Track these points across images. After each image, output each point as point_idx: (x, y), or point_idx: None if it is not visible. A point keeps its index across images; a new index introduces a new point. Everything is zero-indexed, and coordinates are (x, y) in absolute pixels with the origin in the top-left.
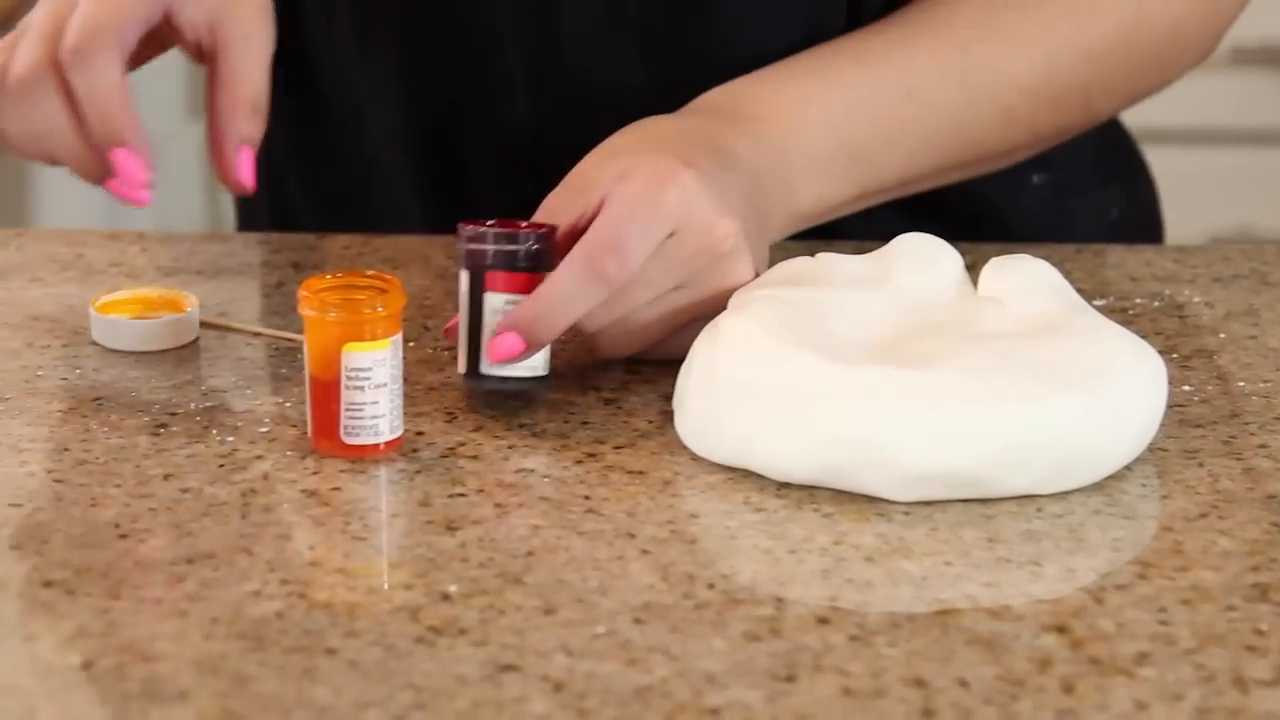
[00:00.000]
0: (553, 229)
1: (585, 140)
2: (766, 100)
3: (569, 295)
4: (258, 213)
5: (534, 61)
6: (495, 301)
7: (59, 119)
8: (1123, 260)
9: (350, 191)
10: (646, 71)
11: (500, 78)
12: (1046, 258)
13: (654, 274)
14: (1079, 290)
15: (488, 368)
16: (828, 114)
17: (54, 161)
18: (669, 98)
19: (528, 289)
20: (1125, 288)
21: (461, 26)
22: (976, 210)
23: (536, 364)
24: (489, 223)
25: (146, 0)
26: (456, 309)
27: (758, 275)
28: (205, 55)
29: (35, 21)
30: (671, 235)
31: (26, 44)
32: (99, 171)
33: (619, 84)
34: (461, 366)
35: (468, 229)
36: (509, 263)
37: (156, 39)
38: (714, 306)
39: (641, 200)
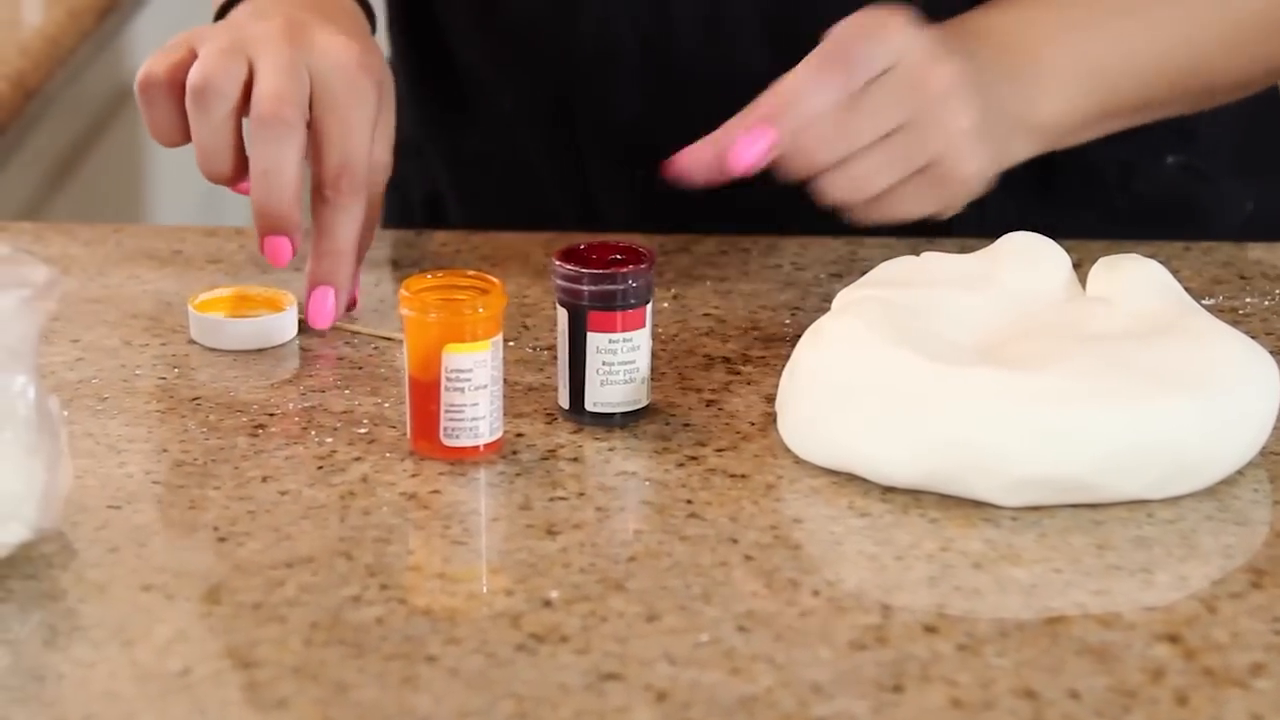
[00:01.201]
0: (651, 259)
1: (697, 126)
2: (1003, 20)
3: (803, 89)
4: (402, 186)
5: (647, 45)
6: (599, 341)
7: (228, 152)
8: (1232, 258)
9: (483, 159)
10: (763, 54)
11: (612, 59)
12: (1154, 255)
13: (876, 103)
14: (1188, 290)
15: (591, 405)
16: (1064, 32)
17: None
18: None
19: (630, 326)
20: (1235, 286)
21: (571, 6)
22: (1092, 192)
23: (639, 397)
24: (582, 246)
25: (305, 74)
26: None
27: (986, 176)
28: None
29: (218, 36)
30: (892, 69)
31: (217, 55)
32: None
33: (731, 67)
34: (564, 401)
35: (564, 267)
36: (608, 303)
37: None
38: (934, 155)
39: (866, 26)
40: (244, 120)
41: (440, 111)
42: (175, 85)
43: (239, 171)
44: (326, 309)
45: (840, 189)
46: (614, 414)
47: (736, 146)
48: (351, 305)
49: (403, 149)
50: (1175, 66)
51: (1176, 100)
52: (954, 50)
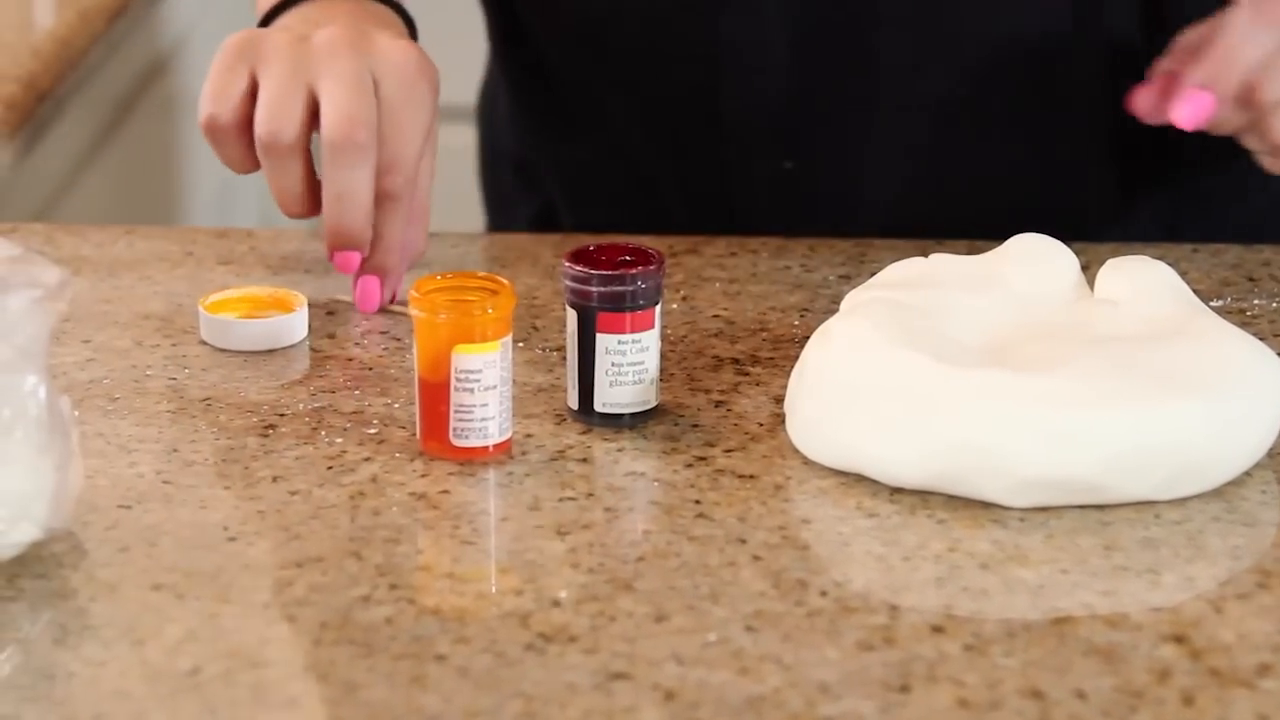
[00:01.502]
0: (660, 260)
1: (848, 111)
2: None
3: (1240, 42)
4: (507, 187)
5: (796, 28)
6: (608, 342)
7: (304, 190)
8: (1241, 260)
9: (594, 167)
10: (908, 41)
11: (762, 43)
12: (1162, 256)
13: None
14: (1196, 292)
15: (600, 405)
16: None
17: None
18: (931, 69)
19: (639, 327)
20: (1244, 288)
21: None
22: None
23: (648, 398)
24: (592, 247)
25: (370, 84)
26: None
27: None
28: None
29: (275, 84)
30: None
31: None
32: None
33: (876, 49)
34: (573, 402)
35: (573, 268)
36: (617, 304)
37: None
38: None
39: None
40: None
41: (548, 122)
42: (243, 128)
43: (315, 203)
44: (374, 295)
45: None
46: (623, 415)
47: (1180, 105)
48: (392, 299)
49: (509, 165)
50: None
51: None
52: None
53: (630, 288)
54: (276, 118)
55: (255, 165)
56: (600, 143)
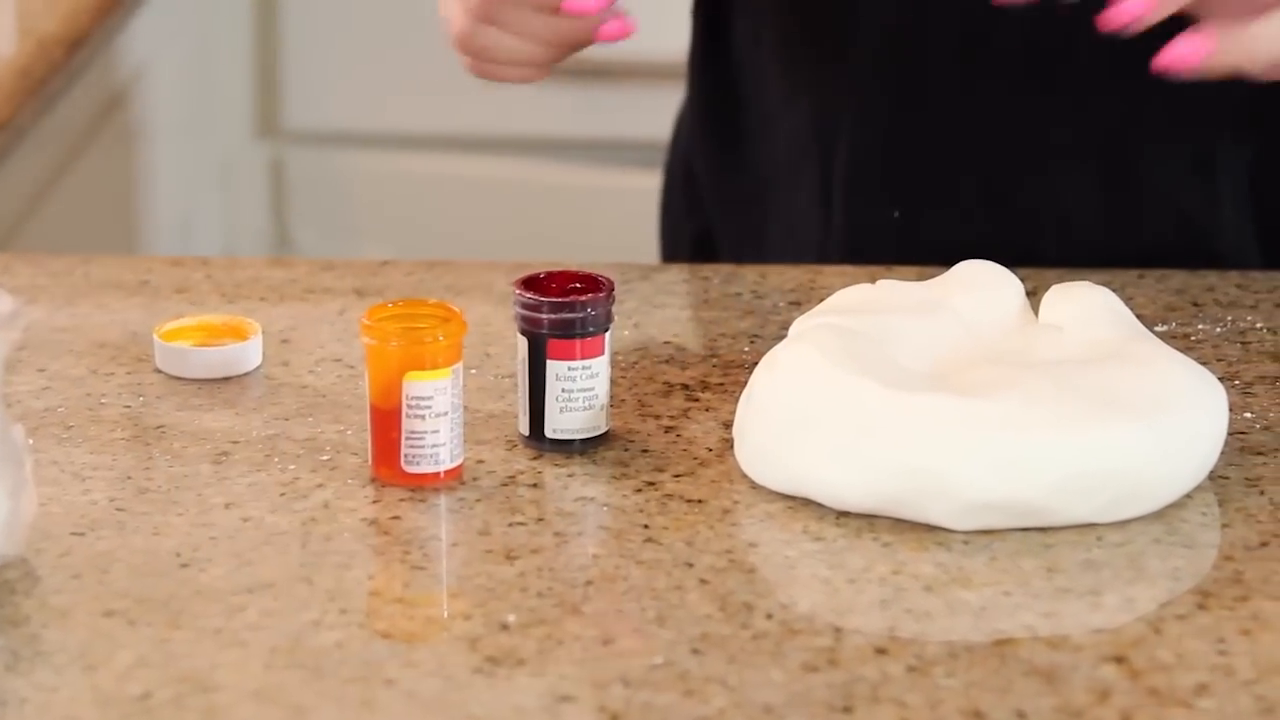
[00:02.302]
0: (610, 288)
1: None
2: None
3: None
4: (676, 217)
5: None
6: (558, 369)
7: (536, 17)
8: (1186, 286)
9: (752, 195)
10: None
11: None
12: (1108, 282)
13: None
14: (1141, 317)
15: (551, 431)
16: None
17: (538, 53)
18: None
19: (588, 354)
20: (1188, 313)
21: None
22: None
23: (598, 424)
24: (543, 274)
25: None
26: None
27: None
28: None
29: None
30: None
31: None
32: (586, 36)
33: (1054, 60)
34: (523, 428)
35: (524, 295)
36: (567, 331)
37: None
38: None
39: None
40: None
41: (720, 151)
42: None
43: None
44: None
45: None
46: (573, 440)
47: (1175, 49)
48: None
49: (686, 180)
50: None
51: None
52: None
53: (580, 314)
54: None
55: None
56: (759, 174)
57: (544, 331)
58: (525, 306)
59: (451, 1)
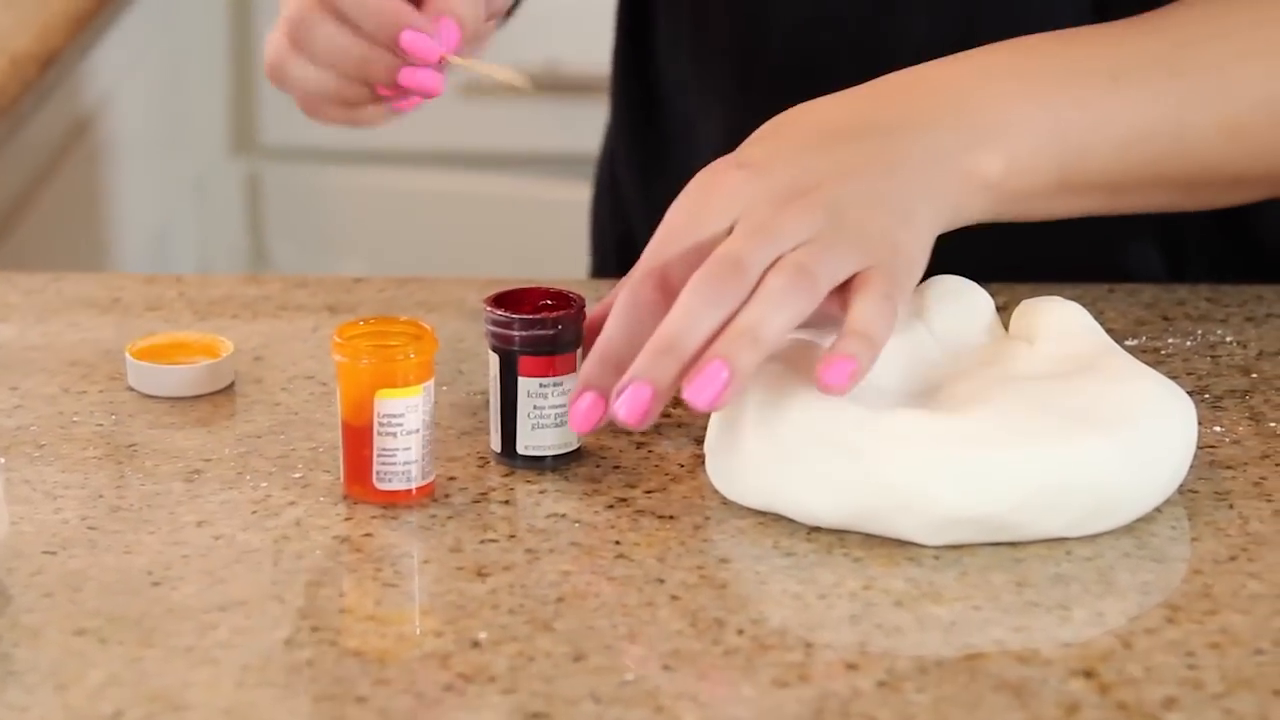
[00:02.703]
0: (580, 304)
1: None
2: (952, 68)
3: (693, 317)
4: (599, 225)
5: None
6: (530, 385)
7: (342, 40)
8: (1156, 300)
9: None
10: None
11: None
12: (1079, 297)
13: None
14: (1111, 331)
15: (523, 448)
16: (1023, 82)
17: (345, 89)
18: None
19: (561, 371)
20: (1158, 327)
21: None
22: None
23: (570, 440)
24: (514, 290)
25: None
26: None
27: (912, 241)
28: None
29: None
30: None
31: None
32: (388, 71)
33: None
34: (495, 445)
35: (495, 313)
36: (537, 348)
37: None
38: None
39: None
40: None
41: (646, 157)
42: None
43: None
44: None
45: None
46: (545, 457)
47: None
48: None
49: (612, 186)
50: (1159, 146)
51: (1158, 186)
52: (837, 139)
53: (551, 331)
54: None
55: None
56: (684, 177)
57: (515, 348)
58: (496, 324)
59: (271, 32)
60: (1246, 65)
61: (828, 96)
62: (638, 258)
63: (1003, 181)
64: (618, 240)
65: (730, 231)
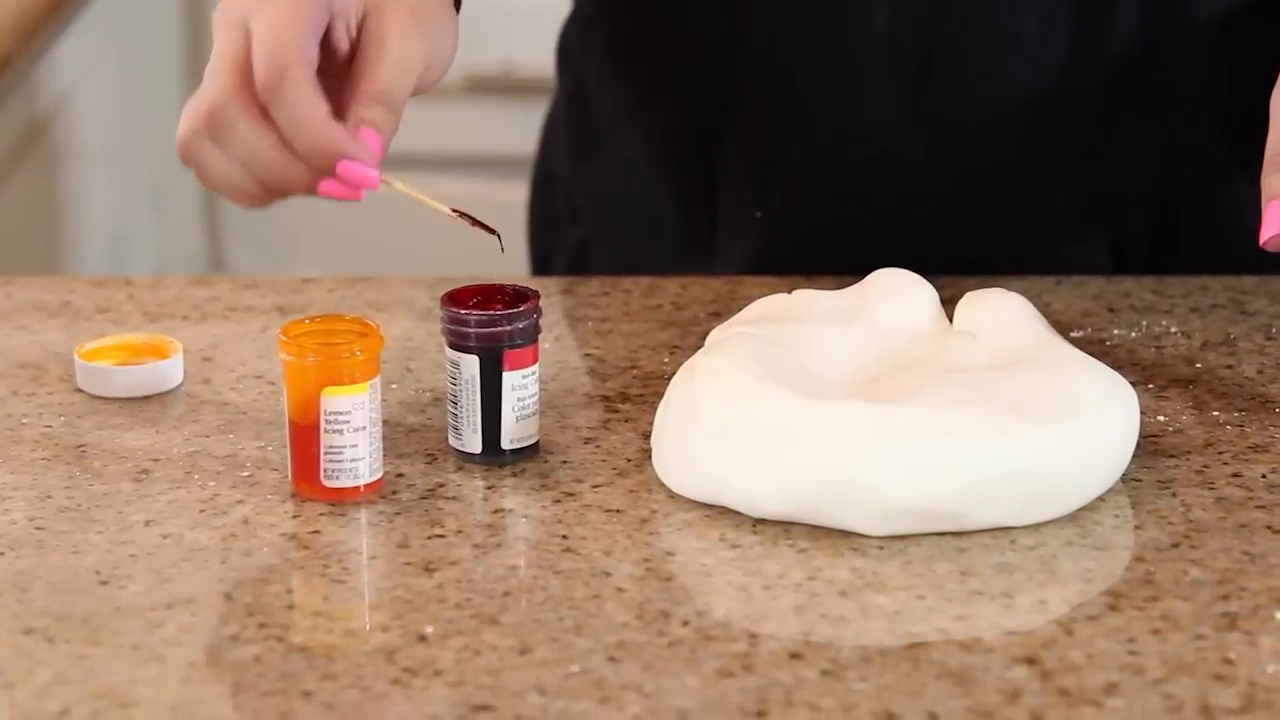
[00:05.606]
0: (536, 291)
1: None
2: None
3: None
4: (539, 214)
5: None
6: (514, 379)
7: (262, 144)
8: (1102, 292)
9: (612, 195)
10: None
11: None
12: (1026, 290)
13: None
14: (1057, 323)
15: (509, 442)
16: None
17: (254, 188)
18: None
19: (534, 361)
20: (1104, 319)
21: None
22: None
23: (538, 430)
24: (464, 289)
25: (313, 6)
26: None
27: None
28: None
29: (216, 53)
30: None
31: (213, 78)
32: (308, 181)
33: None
34: (474, 447)
35: (474, 313)
36: (526, 339)
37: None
38: None
39: None
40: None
41: (579, 150)
42: None
43: None
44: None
45: None
46: (525, 447)
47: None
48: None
49: (548, 180)
50: None
51: None
52: None
53: (529, 322)
54: None
55: None
56: (625, 172)
57: (504, 344)
58: (480, 324)
59: (191, 102)
60: None
61: None
62: (590, 259)
63: None
64: (575, 248)
65: None
